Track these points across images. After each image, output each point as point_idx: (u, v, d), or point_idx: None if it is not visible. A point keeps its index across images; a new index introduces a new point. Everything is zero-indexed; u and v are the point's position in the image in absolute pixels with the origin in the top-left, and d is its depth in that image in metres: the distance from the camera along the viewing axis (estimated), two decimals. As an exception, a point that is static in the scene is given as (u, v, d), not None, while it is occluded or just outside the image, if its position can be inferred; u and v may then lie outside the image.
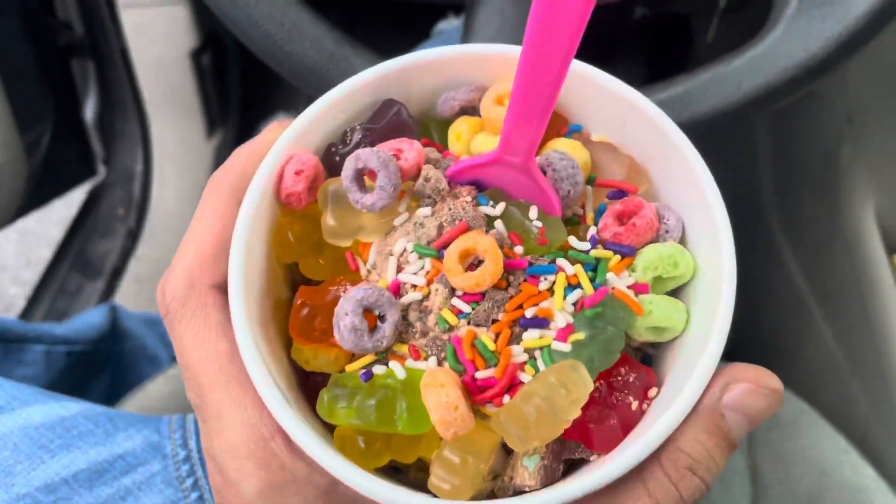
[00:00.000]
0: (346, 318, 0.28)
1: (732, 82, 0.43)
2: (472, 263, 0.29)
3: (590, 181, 0.33)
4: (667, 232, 0.32)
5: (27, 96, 0.95)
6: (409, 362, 0.29)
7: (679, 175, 0.32)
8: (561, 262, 0.30)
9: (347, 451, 0.29)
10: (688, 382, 0.28)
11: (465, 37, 0.47)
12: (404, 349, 0.30)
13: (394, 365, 0.29)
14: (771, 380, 0.29)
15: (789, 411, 0.61)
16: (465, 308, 0.29)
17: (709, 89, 0.43)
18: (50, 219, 1.41)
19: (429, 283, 0.30)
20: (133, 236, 1.15)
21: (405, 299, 0.30)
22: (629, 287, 0.30)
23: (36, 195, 1.04)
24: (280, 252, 0.32)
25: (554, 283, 0.29)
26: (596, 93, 0.33)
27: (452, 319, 0.29)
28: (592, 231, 0.32)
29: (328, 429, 0.30)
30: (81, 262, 1.14)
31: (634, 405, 0.29)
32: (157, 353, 0.85)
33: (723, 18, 0.65)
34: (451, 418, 0.27)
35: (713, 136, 0.41)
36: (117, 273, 1.11)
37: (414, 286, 0.30)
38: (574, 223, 0.33)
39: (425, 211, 0.31)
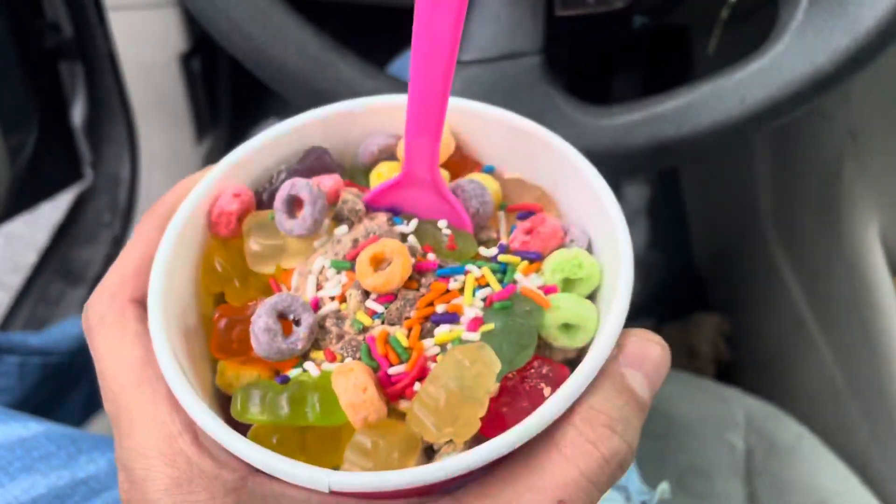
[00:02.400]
0: (259, 320, 0.29)
1: (735, 96, 0.41)
2: (383, 268, 0.31)
3: (501, 208, 0.35)
4: (572, 241, 0.34)
5: (12, 98, 0.94)
6: (325, 365, 0.30)
7: (580, 194, 0.34)
8: (470, 266, 0.31)
9: (263, 439, 0.29)
10: (591, 351, 0.28)
11: (461, 43, 0.45)
12: (320, 355, 0.30)
13: (308, 365, 0.30)
14: (655, 336, 0.30)
15: (788, 436, 0.59)
16: (379, 309, 0.30)
17: (710, 102, 0.41)
18: (38, 223, 1.39)
19: (344, 292, 0.31)
20: (117, 243, 1.13)
21: (323, 311, 0.31)
22: (538, 287, 0.32)
23: (21, 199, 1.02)
24: (207, 281, 0.33)
25: (464, 283, 0.31)
26: (505, 132, 0.36)
27: (366, 320, 0.30)
28: (502, 242, 0.34)
29: (243, 433, 0.30)
30: (64, 269, 1.12)
31: (547, 392, 0.29)
32: (137, 365, 0.83)
33: (725, 29, 0.63)
34: (360, 400, 0.27)
35: (712, 152, 0.40)
36: (99, 281, 1.09)
37: (332, 297, 0.31)
38: (489, 244, 0.35)
39: (342, 230, 0.33)
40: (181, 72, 1.08)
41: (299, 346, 0.30)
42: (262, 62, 0.43)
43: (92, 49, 1.10)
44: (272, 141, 0.36)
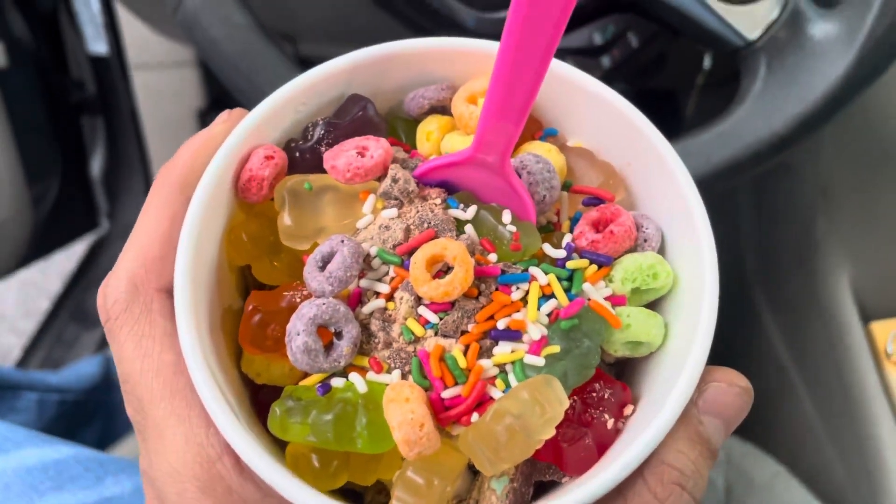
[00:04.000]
0: (297, 338, 0.26)
1: (701, 155, 0.45)
2: (441, 270, 0.28)
3: (565, 187, 0.31)
4: (645, 241, 0.30)
5: (37, 150, 0.98)
6: (371, 375, 0.27)
7: (659, 183, 0.30)
8: (534, 270, 0.28)
9: (300, 470, 0.26)
10: (670, 395, 0.26)
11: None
12: (365, 362, 0.27)
13: (354, 377, 0.27)
14: (740, 379, 0.28)
15: (766, 474, 0.62)
16: (433, 318, 0.27)
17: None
18: (51, 271, 1.42)
19: (393, 290, 0.27)
20: (132, 288, 1.17)
21: (366, 308, 0.27)
22: (606, 299, 0.29)
23: (39, 246, 1.05)
24: (232, 253, 0.30)
25: (527, 292, 0.27)
26: (572, 94, 0.31)
27: (419, 330, 0.27)
28: (568, 239, 0.30)
29: (280, 446, 0.28)
30: (79, 312, 1.15)
31: (610, 423, 0.27)
32: (149, 404, 0.86)
33: (704, 93, 0.68)
34: (416, 437, 0.25)
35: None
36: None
37: (377, 293, 0.28)
38: (548, 231, 0.31)
39: (391, 213, 0.29)
40: (198, 127, 1.13)
41: (342, 364, 0.27)
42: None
43: (114, 105, 1.15)
44: (302, 90, 0.31)
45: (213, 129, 0.30)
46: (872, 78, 0.45)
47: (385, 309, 0.27)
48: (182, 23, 0.48)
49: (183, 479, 0.25)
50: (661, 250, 0.31)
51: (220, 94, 1.17)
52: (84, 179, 1.18)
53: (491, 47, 0.31)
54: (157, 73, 1.11)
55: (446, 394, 0.26)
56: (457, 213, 0.29)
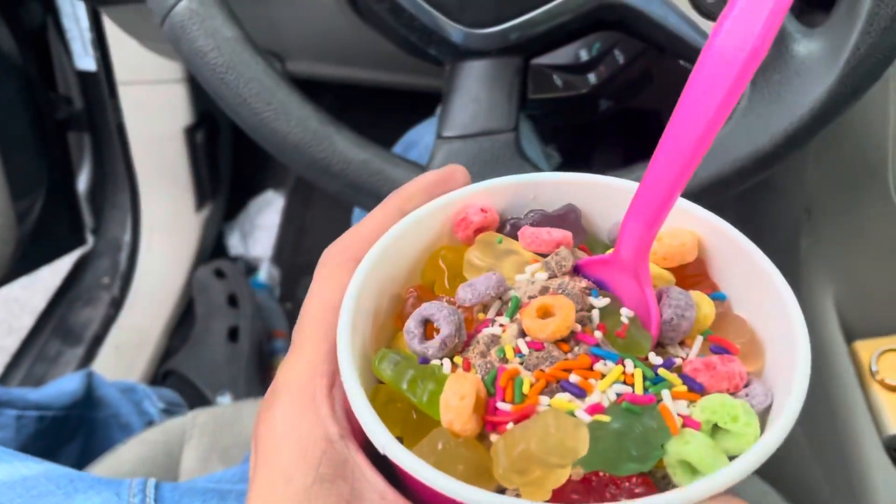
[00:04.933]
0: (409, 321, 0.32)
1: (687, 171, 0.46)
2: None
3: (703, 333, 0.33)
4: (747, 395, 0.30)
5: (22, 165, 0.98)
6: (459, 369, 0.31)
7: (787, 375, 0.30)
8: (626, 360, 0.30)
9: (376, 401, 0.31)
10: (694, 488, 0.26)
11: (442, 123, 0.50)
12: (459, 360, 0.32)
13: (446, 362, 0.32)
14: None
15: (753, 493, 0.62)
16: (525, 351, 0.31)
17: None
18: (35, 287, 1.41)
19: (512, 322, 0.32)
20: (116, 305, 1.16)
21: (485, 331, 0.32)
22: (679, 415, 0.29)
23: (24, 263, 1.05)
24: (427, 270, 0.36)
25: (610, 371, 0.30)
26: (748, 267, 0.33)
27: (510, 354, 0.31)
28: (674, 359, 0.31)
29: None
30: (63, 328, 1.14)
31: None
32: (130, 422, 0.85)
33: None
34: (454, 403, 0.28)
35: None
36: (98, 341, 1.12)
37: (501, 325, 0.32)
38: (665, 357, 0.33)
39: (542, 276, 0.34)
40: (185, 143, 1.14)
41: (429, 353, 0.31)
42: (267, 134, 0.48)
43: (101, 121, 1.15)
44: (532, 183, 0.37)
45: (446, 176, 0.37)
46: (855, 96, 0.45)
47: (497, 335, 0.32)
48: (169, 34, 0.48)
49: (290, 377, 0.31)
50: (762, 419, 0.30)
51: (208, 112, 1.17)
52: (70, 195, 1.17)
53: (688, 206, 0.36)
54: (145, 89, 1.11)
55: (501, 406, 0.29)
56: (592, 300, 0.33)
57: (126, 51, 1.07)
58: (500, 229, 0.37)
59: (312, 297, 0.33)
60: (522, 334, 0.31)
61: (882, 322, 0.67)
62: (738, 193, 0.48)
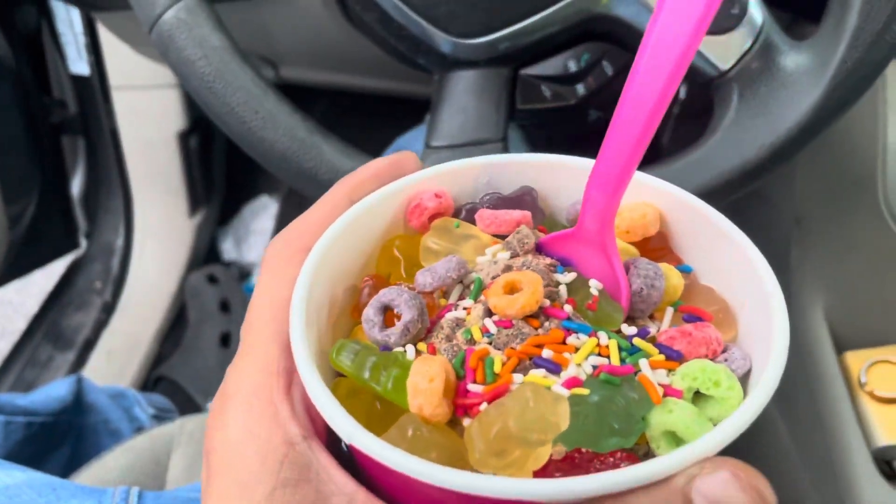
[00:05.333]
0: (368, 309, 0.31)
1: (675, 183, 0.45)
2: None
3: (674, 305, 0.32)
4: (726, 361, 0.29)
5: (15, 169, 0.98)
6: (424, 355, 0.30)
7: (763, 331, 0.29)
8: (600, 332, 0.29)
9: (337, 395, 0.28)
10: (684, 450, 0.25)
11: (430, 133, 0.50)
12: (424, 346, 0.30)
13: (410, 348, 0.30)
14: (759, 480, 0.24)
15: None
16: (493, 330, 0.29)
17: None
18: (29, 291, 1.41)
19: (476, 303, 0.31)
20: (108, 310, 1.16)
21: (448, 315, 0.31)
22: (660, 384, 0.28)
23: (16, 266, 1.05)
24: (381, 260, 0.35)
25: (584, 344, 0.28)
26: (713, 236, 0.33)
27: (478, 335, 0.29)
28: (648, 328, 0.31)
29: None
30: (54, 333, 1.14)
31: None
32: (120, 428, 0.85)
33: (679, 122, 0.69)
34: (423, 387, 0.27)
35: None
36: (89, 345, 1.12)
37: (465, 308, 0.31)
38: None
39: (504, 255, 0.33)
40: (179, 149, 1.14)
41: (392, 340, 0.30)
42: (254, 143, 0.48)
43: (95, 125, 1.15)
44: (485, 165, 0.36)
45: (397, 161, 0.36)
46: (842, 109, 0.45)
47: (462, 319, 0.31)
48: (157, 42, 0.48)
49: (242, 378, 0.29)
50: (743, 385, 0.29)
51: (202, 117, 1.17)
52: (63, 199, 1.17)
53: (651, 182, 0.35)
54: (139, 94, 1.11)
55: (472, 387, 0.28)
56: (559, 276, 0.32)
57: (120, 56, 1.07)
58: (455, 215, 0.36)
59: (260, 293, 0.31)
60: (489, 314, 0.30)
61: (872, 333, 0.67)
62: (729, 203, 0.48)
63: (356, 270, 0.35)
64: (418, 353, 0.30)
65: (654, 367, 0.28)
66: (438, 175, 0.36)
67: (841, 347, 0.66)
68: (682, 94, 0.63)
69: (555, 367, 0.28)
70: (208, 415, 0.30)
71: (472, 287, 0.32)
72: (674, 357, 0.29)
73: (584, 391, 0.26)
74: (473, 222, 0.35)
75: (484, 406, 0.27)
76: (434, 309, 0.32)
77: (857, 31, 0.43)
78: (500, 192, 0.36)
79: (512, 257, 0.33)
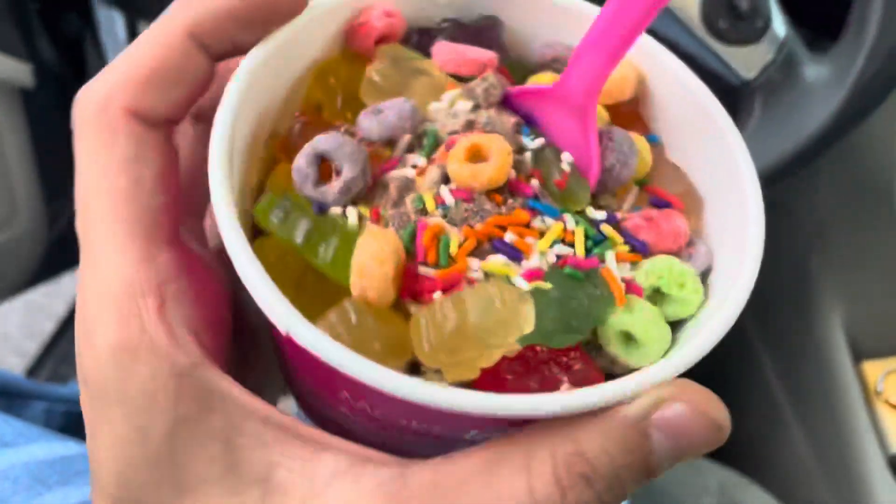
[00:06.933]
0: (299, 158, 0.25)
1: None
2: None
3: (640, 183, 0.30)
4: (690, 257, 0.28)
5: (57, 169, 1.00)
6: (367, 222, 0.26)
7: (733, 226, 0.27)
8: (567, 216, 0.26)
9: (264, 255, 0.24)
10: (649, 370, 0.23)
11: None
12: (367, 211, 0.26)
13: (351, 211, 0.26)
14: (718, 410, 0.23)
15: (758, 505, 0.63)
16: (449, 201, 0.25)
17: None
18: (57, 293, 1.43)
19: (428, 167, 0.27)
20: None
21: (395, 173, 0.26)
22: (623, 279, 0.26)
23: (51, 265, 1.06)
24: (314, 86, 0.29)
25: (549, 229, 0.25)
26: (690, 106, 0.29)
27: (430, 205, 0.25)
28: (616, 213, 0.28)
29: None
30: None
31: (564, 387, 0.24)
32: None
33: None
34: (371, 271, 0.23)
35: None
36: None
37: (414, 165, 0.27)
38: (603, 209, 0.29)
39: (464, 106, 0.28)
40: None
41: (328, 198, 0.25)
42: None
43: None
44: None
45: None
46: (861, 118, 0.48)
47: (412, 180, 0.26)
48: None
49: (103, 304, 0.23)
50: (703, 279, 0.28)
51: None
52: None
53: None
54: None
55: (423, 270, 0.24)
56: (524, 140, 0.28)
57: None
58: (405, 40, 0.31)
59: (89, 176, 0.25)
60: (445, 180, 0.26)
61: (890, 343, 0.68)
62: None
63: (282, 103, 0.29)
64: (360, 218, 0.26)
65: (619, 260, 0.26)
66: None
67: (859, 357, 0.68)
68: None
69: (516, 254, 0.25)
70: (75, 340, 0.25)
71: (424, 141, 0.27)
72: (639, 249, 0.27)
73: (546, 285, 0.24)
74: (426, 52, 0.30)
75: (438, 296, 0.24)
76: (376, 160, 0.27)
77: (875, 44, 0.46)
78: (460, 20, 0.31)
79: (474, 109, 0.28)
